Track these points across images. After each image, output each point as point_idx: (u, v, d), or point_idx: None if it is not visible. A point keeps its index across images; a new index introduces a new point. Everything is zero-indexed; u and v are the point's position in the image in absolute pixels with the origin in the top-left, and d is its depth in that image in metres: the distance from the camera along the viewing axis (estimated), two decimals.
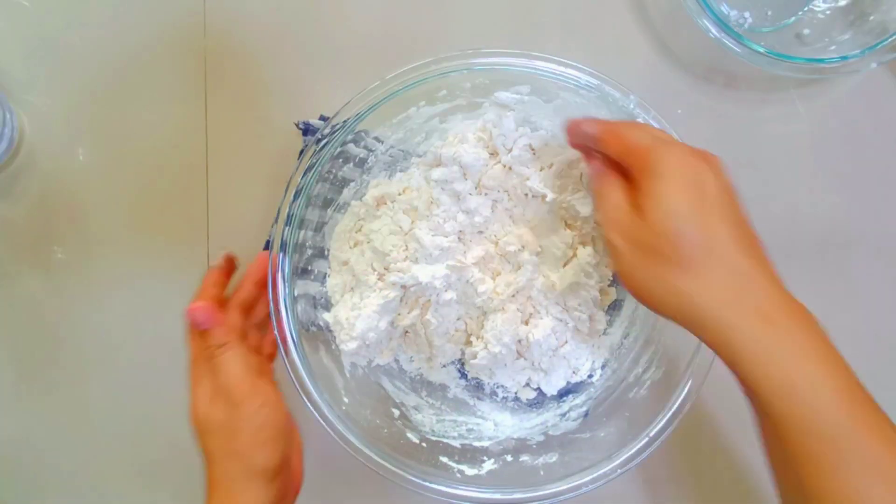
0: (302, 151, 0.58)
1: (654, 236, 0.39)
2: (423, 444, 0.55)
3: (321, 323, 0.56)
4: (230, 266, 0.52)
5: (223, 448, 0.43)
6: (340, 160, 0.55)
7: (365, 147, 0.56)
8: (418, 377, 0.59)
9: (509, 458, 0.55)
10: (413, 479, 0.50)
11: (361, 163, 0.57)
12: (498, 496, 0.50)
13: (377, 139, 0.56)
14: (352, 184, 0.57)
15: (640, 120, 0.51)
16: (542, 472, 0.53)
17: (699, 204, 0.38)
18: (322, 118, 0.61)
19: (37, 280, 0.62)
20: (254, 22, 0.62)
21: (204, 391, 0.44)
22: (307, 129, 0.60)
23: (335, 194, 0.57)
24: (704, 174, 0.39)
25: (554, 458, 0.54)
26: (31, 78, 0.62)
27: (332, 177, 0.55)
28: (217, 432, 0.43)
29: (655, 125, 0.50)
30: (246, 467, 0.42)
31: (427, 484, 0.50)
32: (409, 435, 0.55)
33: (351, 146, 0.55)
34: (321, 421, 0.50)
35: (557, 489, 0.50)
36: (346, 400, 0.53)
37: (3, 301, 0.62)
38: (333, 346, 0.55)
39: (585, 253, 0.54)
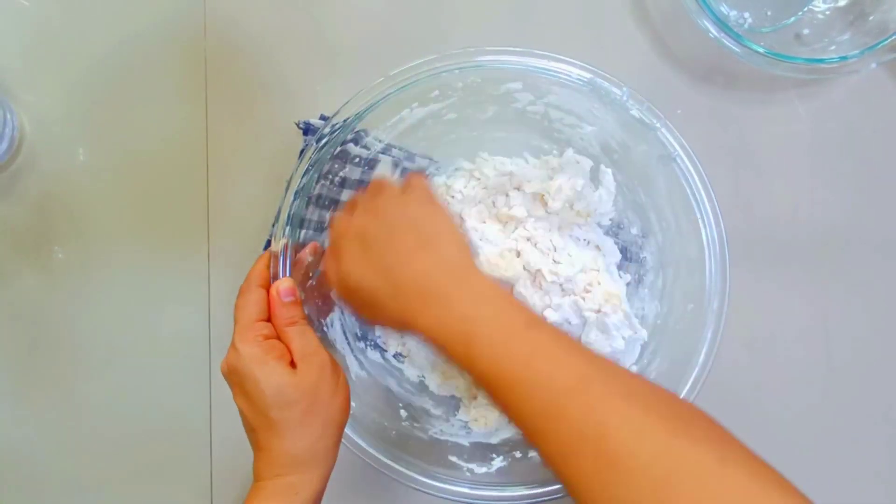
0: (302, 151, 0.58)
1: None
2: (432, 444, 0.55)
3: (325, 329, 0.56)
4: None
5: (301, 414, 0.43)
6: (340, 160, 0.55)
7: (364, 146, 0.56)
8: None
9: (518, 454, 0.55)
10: (423, 479, 0.50)
11: (361, 162, 0.57)
12: (508, 493, 0.50)
13: (377, 139, 0.56)
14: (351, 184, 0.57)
15: (633, 112, 0.51)
16: None
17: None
18: (322, 118, 0.61)
19: (37, 280, 0.61)
20: (254, 22, 0.62)
21: (279, 363, 0.43)
22: (307, 129, 0.60)
23: (335, 194, 0.56)
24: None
25: None
26: (31, 78, 0.62)
27: (332, 177, 0.55)
28: (301, 397, 0.43)
29: (651, 117, 0.51)
30: (324, 427, 0.44)
31: (437, 484, 0.50)
32: (418, 435, 0.55)
33: (351, 146, 0.55)
34: None
35: None
36: (352, 403, 0.53)
37: (2, 301, 0.62)
38: (338, 350, 0.56)
39: (609, 243, 0.56)
